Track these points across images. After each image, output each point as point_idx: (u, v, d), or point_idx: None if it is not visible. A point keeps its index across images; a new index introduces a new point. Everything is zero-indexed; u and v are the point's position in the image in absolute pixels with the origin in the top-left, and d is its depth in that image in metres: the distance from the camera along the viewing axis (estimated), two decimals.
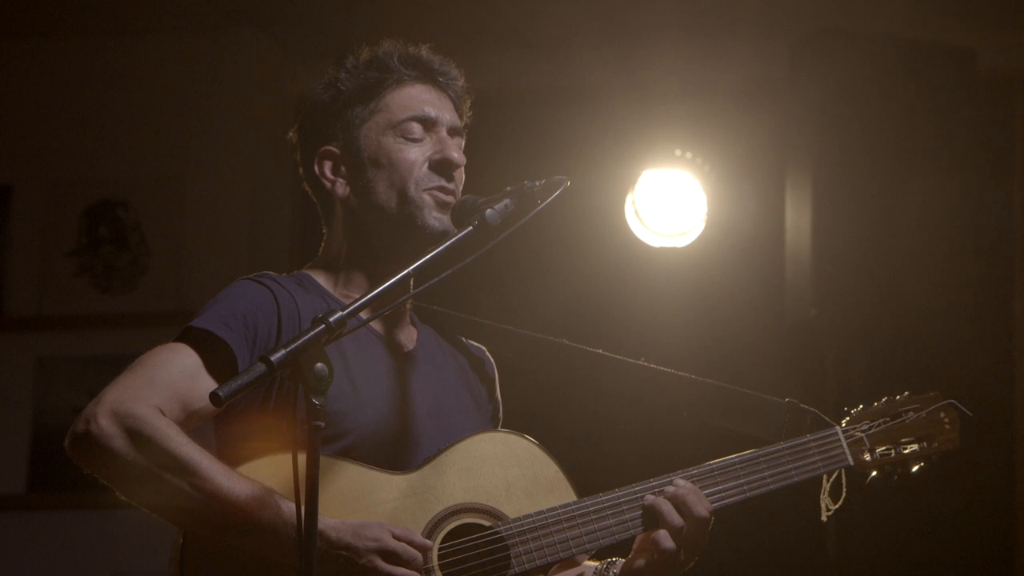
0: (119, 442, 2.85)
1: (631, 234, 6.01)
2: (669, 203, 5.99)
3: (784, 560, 5.87)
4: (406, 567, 2.88)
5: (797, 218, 5.63)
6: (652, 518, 3.09)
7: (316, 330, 2.68)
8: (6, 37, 6.35)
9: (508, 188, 3.07)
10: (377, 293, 2.86)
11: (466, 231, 3.01)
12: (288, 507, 2.84)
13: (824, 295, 5.50)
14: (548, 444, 3.17)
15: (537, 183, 3.06)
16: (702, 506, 3.09)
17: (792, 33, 5.75)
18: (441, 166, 3.15)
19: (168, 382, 2.94)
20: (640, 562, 3.11)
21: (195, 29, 6.29)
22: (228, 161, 6.27)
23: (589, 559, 3.19)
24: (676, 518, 3.08)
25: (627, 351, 3.35)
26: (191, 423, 2.96)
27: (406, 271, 2.92)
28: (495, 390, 3.35)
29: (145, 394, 2.90)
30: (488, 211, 3.02)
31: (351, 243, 3.19)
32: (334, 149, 3.18)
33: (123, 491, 2.91)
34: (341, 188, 3.17)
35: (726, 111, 6.09)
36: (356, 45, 3.26)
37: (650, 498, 3.10)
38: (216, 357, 2.98)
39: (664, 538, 3.07)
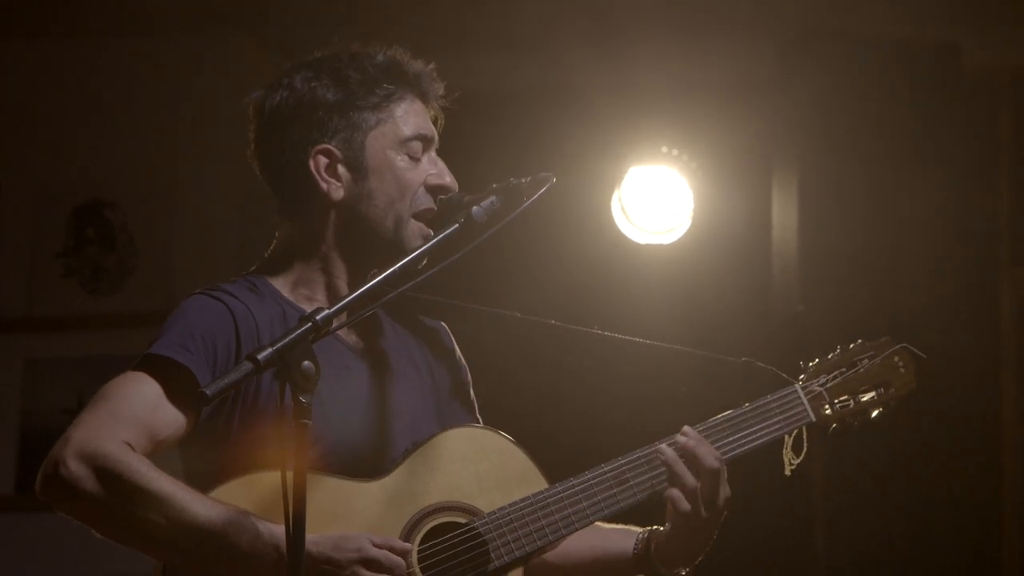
0: (90, 483, 2.85)
1: (618, 231, 6.01)
2: (656, 200, 5.99)
3: (772, 558, 5.87)
4: (389, 573, 2.88)
5: (784, 215, 5.65)
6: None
7: (303, 328, 2.69)
8: None
9: (494, 185, 3.07)
10: (360, 293, 2.86)
11: (452, 228, 3.01)
12: (266, 528, 2.85)
13: (811, 292, 5.52)
14: (512, 423, 3.18)
15: (523, 180, 3.06)
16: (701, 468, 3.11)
17: (779, 32, 5.77)
18: (436, 191, 3.15)
19: (133, 414, 2.92)
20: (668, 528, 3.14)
21: (184, 31, 6.28)
22: (216, 161, 6.26)
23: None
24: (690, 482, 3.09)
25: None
26: (160, 452, 2.95)
27: (390, 270, 2.92)
28: (455, 357, 3.32)
29: (111, 430, 2.88)
30: (474, 208, 3.02)
31: (328, 246, 3.15)
32: (333, 149, 3.13)
33: (99, 530, 2.91)
34: (336, 191, 3.12)
35: (713, 109, 6.09)
36: (353, 44, 3.23)
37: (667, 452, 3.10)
38: (178, 383, 2.96)
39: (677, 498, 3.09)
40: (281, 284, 3.15)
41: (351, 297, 2.84)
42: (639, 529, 3.20)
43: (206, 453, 3.01)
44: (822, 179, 5.56)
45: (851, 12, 5.96)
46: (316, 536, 2.84)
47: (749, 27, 6.13)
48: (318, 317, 2.70)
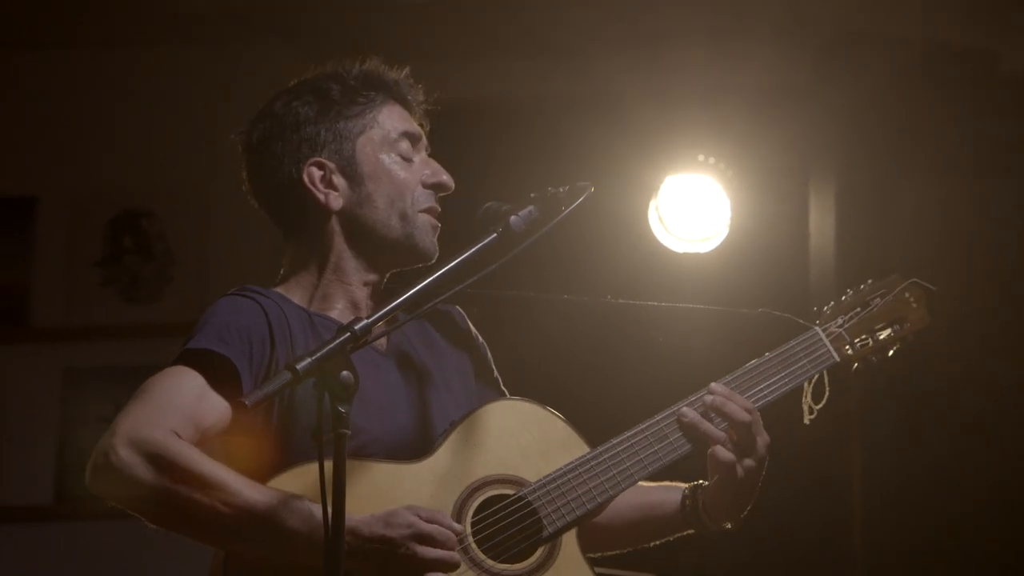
0: (142, 470, 2.86)
1: (655, 240, 6.00)
2: (693, 209, 5.98)
3: (811, 559, 5.86)
4: (442, 547, 2.89)
5: (821, 222, 5.64)
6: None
7: (342, 338, 2.71)
8: (31, 49, 6.38)
9: (532, 194, 3.10)
10: (398, 304, 2.88)
11: (490, 238, 3.02)
12: (318, 510, 2.83)
13: None
14: (546, 395, 3.20)
15: (561, 189, 3.09)
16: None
17: (814, 38, 5.75)
18: (435, 188, 3.19)
19: (178, 404, 2.94)
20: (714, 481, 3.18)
21: (219, 39, 6.31)
22: None
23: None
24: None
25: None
26: (206, 441, 2.96)
27: (430, 279, 2.94)
28: (472, 337, 3.34)
29: (158, 419, 2.90)
30: (512, 218, 3.04)
31: (338, 256, 3.18)
32: (325, 160, 3.17)
33: (153, 518, 2.92)
34: (335, 200, 3.16)
35: (749, 116, 6.08)
36: (329, 64, 3.27)
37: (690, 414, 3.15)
38: (219, 373, 2.98)
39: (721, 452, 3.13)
40: (299, 300, 3.18)
41: (389, 308, 2.86)
42: (683, 485, 3.24)
43: (249, 447, 3.02)
44: (859, 186, 5.55)
45: (885, 17, 5.95)
46: (366, 516, 2.87)
47: (784, 33, 6.12)
48: (356, 327, 2.73)
